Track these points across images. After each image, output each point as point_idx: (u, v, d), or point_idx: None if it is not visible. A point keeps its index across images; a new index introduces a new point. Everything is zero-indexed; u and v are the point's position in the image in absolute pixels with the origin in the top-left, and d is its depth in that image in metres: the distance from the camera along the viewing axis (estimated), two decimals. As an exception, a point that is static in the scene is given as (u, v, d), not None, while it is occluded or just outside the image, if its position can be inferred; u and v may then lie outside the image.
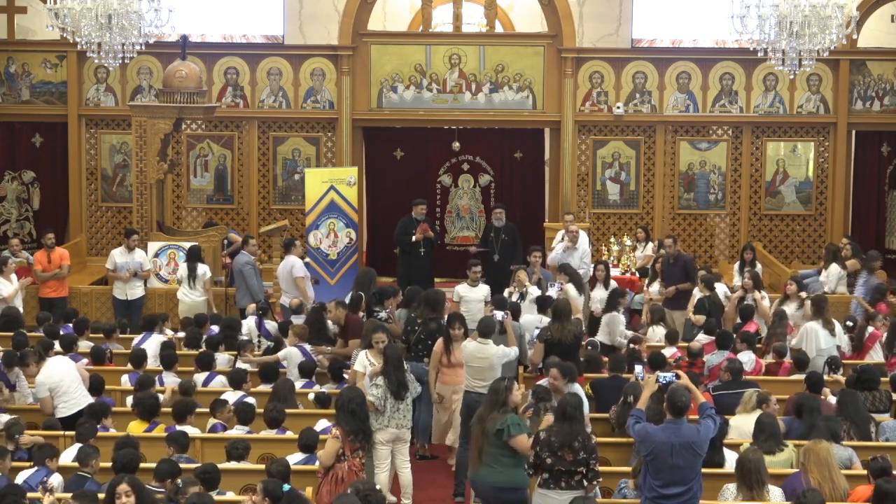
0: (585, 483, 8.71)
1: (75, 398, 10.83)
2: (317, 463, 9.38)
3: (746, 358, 12.14)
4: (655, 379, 8.93)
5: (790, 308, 13.63)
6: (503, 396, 9.26)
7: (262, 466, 9.30)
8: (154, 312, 14.33)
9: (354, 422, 9.37)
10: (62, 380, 10.84)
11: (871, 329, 13.29)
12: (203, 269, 15.19)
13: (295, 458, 9.39)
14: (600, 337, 13.47)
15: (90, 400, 10.85)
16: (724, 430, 9.59)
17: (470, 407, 10.98)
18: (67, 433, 10.07)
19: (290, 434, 10.12)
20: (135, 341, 12.85)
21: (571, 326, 11.65)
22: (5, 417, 10.25)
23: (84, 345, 12.74)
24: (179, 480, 8.35)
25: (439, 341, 11.41)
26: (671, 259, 15.27)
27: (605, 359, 11.76)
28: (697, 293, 14.25)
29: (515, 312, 12.39)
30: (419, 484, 10.99)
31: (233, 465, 9.35)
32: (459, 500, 11.06)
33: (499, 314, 11.51)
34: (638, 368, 10.32)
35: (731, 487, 8.49)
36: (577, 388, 10.27)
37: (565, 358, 10.91)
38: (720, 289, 14.36)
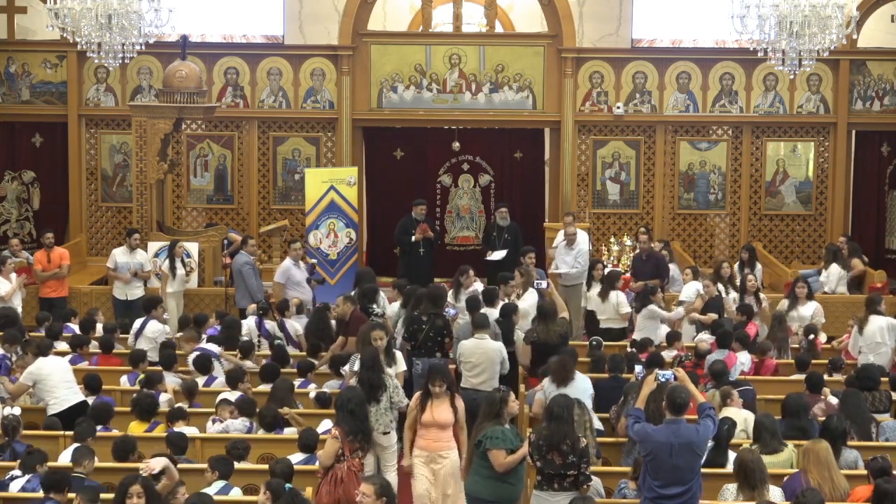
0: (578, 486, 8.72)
1: (65, 395, 10.85)
2: (317, 463, 9.39)
3: (744, 358, 12.14)
4: (654, 377, 8.93)
5: (807, 310, 13.67)
6: (497, 408, 9.12)
7: (263, 466, 9.30)
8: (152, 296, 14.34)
9: (354, 422, 9.34)
10: (50, 374, 10.88)
11: None
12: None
13: (295, 458, 9.38)
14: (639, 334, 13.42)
15: (81, 397, 10.87)
16: (732, 432, 9.58)
17: (467, 404, 11.04)
18: (67, 433, 10.06)
19: (290, 434, 10.11)
20: (135, 325, 13.09)
21: (556, 327, 11.71)
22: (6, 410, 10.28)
23: (91, 345, 12.78)
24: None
25: (416, 396, 9.89)
26: (644, 255, 15.43)
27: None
28: (693, 289, 14.21)
29: (511, 314, 12.46)
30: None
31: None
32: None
33: (543, 283, 11.65)
34: (638, 368, 10.32)
35: (731, 488, 8.48)
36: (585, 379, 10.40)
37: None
38: (695, 286, 14.36)
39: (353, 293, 13.28)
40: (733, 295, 14.17)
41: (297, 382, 11.55)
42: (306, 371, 11.81)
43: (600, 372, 11.46)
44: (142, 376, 11.50)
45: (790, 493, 8.45)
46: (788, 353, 12.98)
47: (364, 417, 9.52)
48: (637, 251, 16.02)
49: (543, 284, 13.16)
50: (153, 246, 16.33)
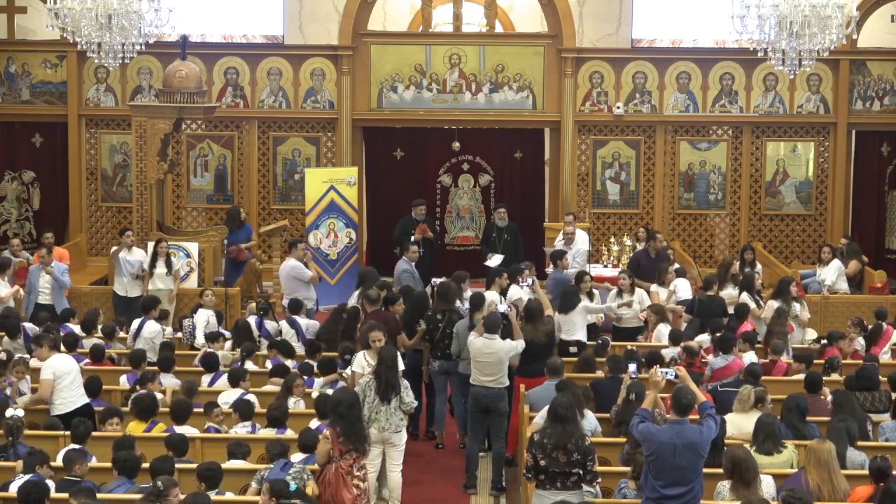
0: (584, 484, 8.71)
1: (72, 397, 10.83)
2: (314, 463, 9.40)
3: (752, 359, 12.09)
4: (657, 373, 8.96)
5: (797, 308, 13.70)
6: None
7: (263, 466, 9.30)
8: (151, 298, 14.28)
9: (344, 424, 9.26)
10: (67, 373, 10.85)
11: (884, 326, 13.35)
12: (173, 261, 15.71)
13: (295, 458, 9.37)
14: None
15: (87, 399, 10.86)
16: (723, 430, 9.56)
17: (477, 400, 11.20)
18: (67, 433, 10.03)
19: (290, 433, 10.11)
20: (133, 326, 13.06)
21: (544, 326, 11.73)
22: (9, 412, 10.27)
23: (91, 343, 12.76)
24: (160, 482, 8.18)
25: None
26: (654, 253, 15.41)
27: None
28: (687, 286, 14.22)
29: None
30: (432, 475, 11.16)
31: (234, 464, 9.34)
32: (472, 492, 11.20)
33: (502, 307, 11.60)
34: (632, 367, 10.30)
35: (726, 485, 8.49)
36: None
37: (540, 357, 11.16)
38: (685, 285, 14.33)
39: (374, 292, 13.22)
40: (730, 292, 14.20)
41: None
42: (309, 370, 11.81)
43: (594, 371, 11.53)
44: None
45: (788, 493, 8.44)
46: (789, 350, 12.95)
47: (356, 419, 9.38)
48: (643, 247, 16.05)
49: (529, 281, 13.10)
50: (153, 246, 16.29)
